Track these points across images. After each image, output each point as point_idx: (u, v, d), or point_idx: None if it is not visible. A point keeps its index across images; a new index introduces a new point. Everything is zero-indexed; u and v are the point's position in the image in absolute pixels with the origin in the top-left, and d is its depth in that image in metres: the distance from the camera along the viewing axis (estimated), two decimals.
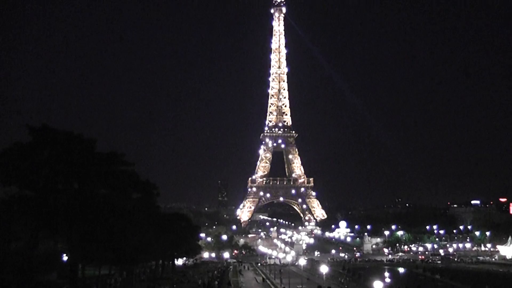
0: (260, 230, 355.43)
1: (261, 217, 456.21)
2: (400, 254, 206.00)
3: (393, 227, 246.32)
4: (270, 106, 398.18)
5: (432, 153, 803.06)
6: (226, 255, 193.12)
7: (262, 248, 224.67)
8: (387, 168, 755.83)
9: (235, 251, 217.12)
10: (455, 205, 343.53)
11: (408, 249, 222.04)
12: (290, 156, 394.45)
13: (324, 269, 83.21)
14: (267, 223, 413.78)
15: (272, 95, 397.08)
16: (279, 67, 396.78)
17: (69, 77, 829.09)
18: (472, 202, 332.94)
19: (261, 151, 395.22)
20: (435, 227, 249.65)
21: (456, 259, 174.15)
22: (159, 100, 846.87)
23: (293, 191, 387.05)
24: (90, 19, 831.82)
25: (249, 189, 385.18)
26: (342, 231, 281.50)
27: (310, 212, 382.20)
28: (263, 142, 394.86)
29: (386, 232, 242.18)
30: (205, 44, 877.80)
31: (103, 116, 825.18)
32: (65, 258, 63.85)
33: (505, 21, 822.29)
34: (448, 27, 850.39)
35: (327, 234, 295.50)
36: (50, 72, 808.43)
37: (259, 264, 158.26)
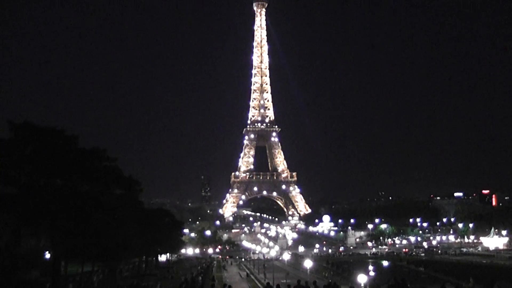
0: (243, 225, 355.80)
1: (245, 212, 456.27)
2: (384, 247, 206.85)
3: (377, 220, 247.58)
4: (252, 101, 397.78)
5: (415, 146, 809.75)
6: (210, 250, 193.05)
7: (246, 243, 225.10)
8: (370, 162, 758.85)
9: (219, 247, 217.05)
10: (438, 198, 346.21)
11: (392, 242, 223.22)
12: (273, 151, 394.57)
13: (308, 263, 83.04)
14: (251, 218, 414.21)
15: (255, 90, 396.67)
16: (261, 62, 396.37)
17: (51, 74, 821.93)
18: (455, 194, 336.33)
19: (244, 146, 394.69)
20: (418, 220, 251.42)
21: (439, 251, 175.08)
22: (141, 96, 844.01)
23: (277, 186, 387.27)
24: (75, 16, 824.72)
25: (232, 184, 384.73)
26: (325, 225, 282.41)
27: (294, 207, 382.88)
28: (246, 137, 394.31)
29: (370, 226, 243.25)
30: (187, 39, 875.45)
31: (85, 112, 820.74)
32: (47, 255, 63.09)
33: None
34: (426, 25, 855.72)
35: (311, 228, 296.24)
36: (33, 68, 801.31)
37: (243, 259, 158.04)
